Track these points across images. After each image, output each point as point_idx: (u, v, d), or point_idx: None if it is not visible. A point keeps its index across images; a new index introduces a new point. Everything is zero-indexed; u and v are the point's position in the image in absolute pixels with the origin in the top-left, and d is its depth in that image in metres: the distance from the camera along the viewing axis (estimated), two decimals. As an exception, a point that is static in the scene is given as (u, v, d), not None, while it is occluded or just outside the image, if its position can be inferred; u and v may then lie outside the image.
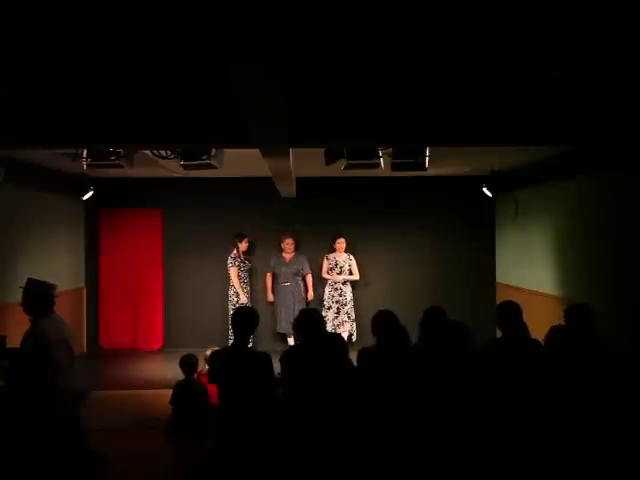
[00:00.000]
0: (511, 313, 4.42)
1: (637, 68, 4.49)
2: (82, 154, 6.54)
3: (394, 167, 6.52)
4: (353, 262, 9.43)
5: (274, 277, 9.65)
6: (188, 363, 6.27)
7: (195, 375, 6.53)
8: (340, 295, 9.32)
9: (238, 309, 5.09)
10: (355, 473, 3.56)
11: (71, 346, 4.54)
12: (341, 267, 9.38)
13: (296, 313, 5.65)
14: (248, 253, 9.66)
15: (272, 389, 4.48)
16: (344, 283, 9.35)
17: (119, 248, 10.16)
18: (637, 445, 3.21)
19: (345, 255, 9.44)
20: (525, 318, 4.45)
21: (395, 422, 3.57)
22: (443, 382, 3.65)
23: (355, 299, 9.76)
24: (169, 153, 6.38)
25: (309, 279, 9.62)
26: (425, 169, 6.52)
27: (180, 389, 6.17)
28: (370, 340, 4.80)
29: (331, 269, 9.42)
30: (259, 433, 4.22)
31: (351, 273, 9.42)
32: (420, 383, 3.70)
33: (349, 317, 9.20)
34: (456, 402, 3.56)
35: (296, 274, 9.53)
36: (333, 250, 9.48)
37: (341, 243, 9.41)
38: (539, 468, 3.41)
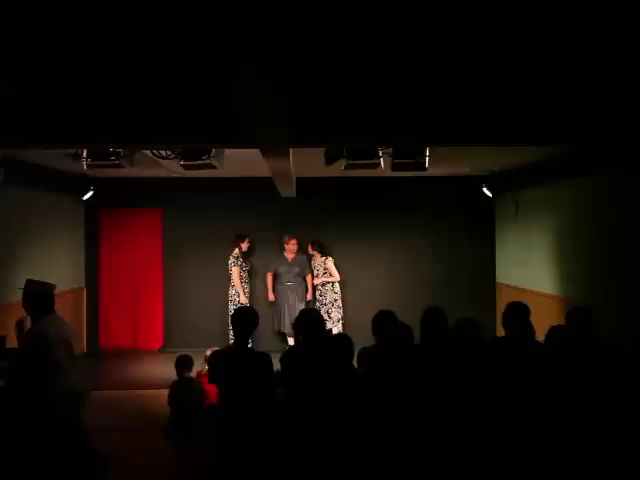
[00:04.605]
0: (515, 314, 4.40)
1: (637, 68, 4.49)
2: (82, 154, 6.54)
3: (394, 167, 6.52)
4: (328, 265, 9.46)
5: (276, 277, 9.66)
6: (182, 362, 6.29)
7: (195, 375, 6.55)
8: (320, 295, 9.49)
9: (238, 309, 5.10)
10: (356, 473, 3.56)
11: (71, 346, 4.54)
12: (317, 270, 9.51)
13: (297, 313, 5.66)
14: (247, 254, 9.67)
15: (272, 389, 4.48)
16: (323, 285, 9.45)
17: (119, 248, 10.17)
18: (637, 444, 3.21)
19: (321, 259, 9.51)
20: (525, 318, 4.45)
21: (395, 422, 3.57)
22: (446, 382, 3.65)
23: (354, 299, 9.78)
24: (169, 153, 6.38)
25: (309, 280, 9.64)
26: (425, 169, 6.52)
27: (175, 389, 6.18)
28: (364, 341, 4.82)
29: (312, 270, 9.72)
30: (259, 433, 4.23)
31: (330, 275, 9.46)
32: (422, 383, 3.70)
33: (329, 317, 9.21)
34: (460, 400, 3.56)
35: (298, 274, 9.56)
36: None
37: (309, 249, 9.55)
38: (539, 468, 3.41)
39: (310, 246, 9.52)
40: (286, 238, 9.54)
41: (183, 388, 6.14)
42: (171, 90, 4.86)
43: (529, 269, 8.76)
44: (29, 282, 4.64)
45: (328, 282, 9.42)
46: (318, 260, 9.52)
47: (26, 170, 7.59)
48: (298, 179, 8.50)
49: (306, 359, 4.37)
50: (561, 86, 4.85)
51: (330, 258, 9.53)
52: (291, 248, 9.53)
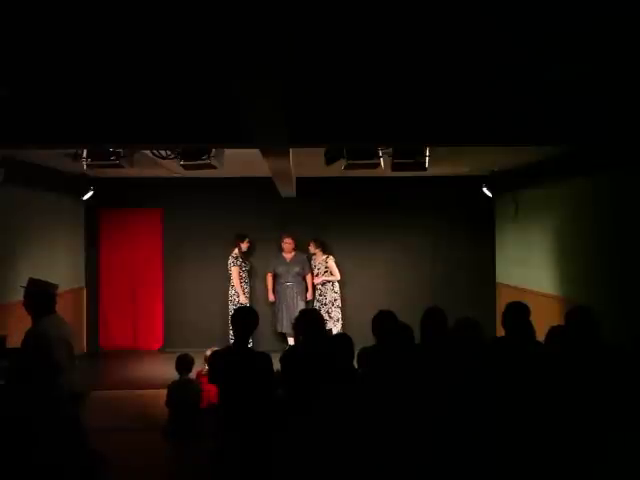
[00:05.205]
0: (515, 314, 4.39)
1: (637, 68, 4.49)
2: (82, 154, 6.55)
3: (394, 167, 6.52)
4: (330, 263, 9.46)
5: (275, 277, 9.66)
6: (183, 363, 6.29)
7: (195, 374, 6.55)
8: (320, 295, 9.46)
9: (238, 309, 5.10)
10: (356, 474, 3.56)
11: (71, 346, 4.54)
12: (318, 269, 9.48)
13: (297, 313, 5.66)
14: (247, 254, 9.67)
15: (272, 389, 4.48)
16: (323, 284, 9.43)
17: (119, 248, 10.17)
18: (637, 444, 3.21)
19: (322, 257, 9.50)
20: (525, 318, 4.45)
21: (396, 422, 3.57)
22: (446, 382, 3.65)
23: (354, 299, 9.78)
24: (169, 153, 6.38)
25: (309, 279, 9.63)
26: (425, 169, 6.52)
27: (174, 390, 6.18)
28: (364, 341, 4.82)
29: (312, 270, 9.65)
30: (259, 433, 4.22)
31: (331, 274, 9.46)
32: (422, 383, 3.70)
33: (330, 317, 9.21)
34: (460, 400, 3.56)
35: (297, 274, 9.55)
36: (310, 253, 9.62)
37: (311, 247, 9.51)
38: (539, 467, 3.41)
39: (313, 244, 9.49)
40: (282, 237, 9.55)
41: (181, 389, 6.14)
42: (171, 90, 4.86)
43: (529, 269, 8.76)
44: (32, 281, 4.64)
45: (328, 281, 9.41)
46: (319, 258, 9.51)
47: (26, 170, 7.59)
48: (298, 179, 8.50)
49: (306, 359, 4.37)
50: (561, 86, 4.85)
51: (331, 257, 9.52)
52: (286, 247, 9.53)
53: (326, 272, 9.43)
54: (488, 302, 9.89)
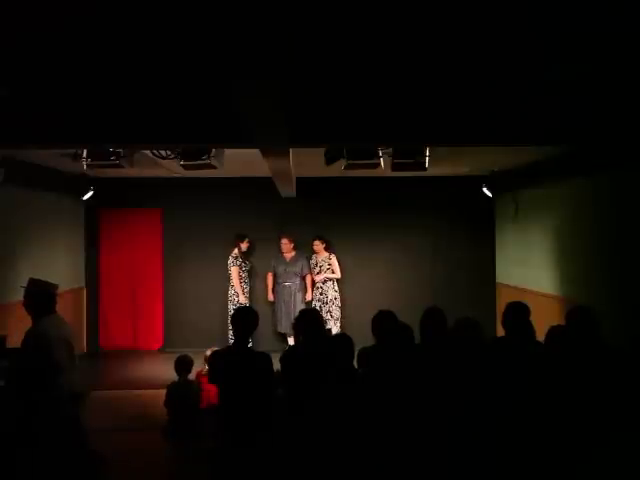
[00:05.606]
0: (515, 314, 4.40)
1: (637, 68, 4.49)
2: (82, 154, 6.55)
3: (394, 167, 6.52)
4: (333, 261, 9.47)
5: (275, 277, 9.66)
6: (182, 364, 6.29)
7: (195, 375, 6.55)
8: (321, 294, 9.43)
9: (238, 309, 5.10)
10: (356, 473, 3.56)
11: (72, 346, 4.54)
12: (320, 266, 9.46)
13: (296, 313, 5.66)
14: (247, 254, 9.68)
15: (272, 389, 4.48)
16: (324, 282, 9.41)
17: (119, 248, 10.17)
18: (636, 444, 3.21)
19: (325, 255, 9.50)
20: (525, 318, 4.44)
21: (395, 422, 3.57)
22: (446, 382, 3.65)
23: (354, 299, 9.77)
24: (169, 153, 6.38)
25: (308, 279, 9.63)
26: (425, 169, 6.53)
27: (173, 390, 6.18)
28: (364, 340, 4.82)
29: (312, 269, 9.56)
30: (259, 433, 4.23)
31: (332, 272, 9.46)
32: (422, 383, 3.70)
33: (331, 315, 9.22)
34: (459, 400, 3.56)
35: (296, 274, 9.55)
36: (314, 251, 9.58)
37: (317, 245, 9.49)
38: (539, 467, 3.41)
39: (319, 241, 9.47)
40: (279, 238, 9.55)
41: (180, 390, 6.14)
42: (171, 90, 4.86)
43: (529, 269, 8.76)
44: (32, 281, 4.64)
45: (330, 279, 9.40)
46: (322, 255, 9.50)
47: (26, 170, 7.59)
48: (298, 179, 8.50)
49: (306, 359, 4.37)
50: (561, 86, 4.86)
51: (334, 255, 9.53)
52: (283, 248, 9.54)
53: (329, 269, 9.42)
54: (488, 302, 9.89)
